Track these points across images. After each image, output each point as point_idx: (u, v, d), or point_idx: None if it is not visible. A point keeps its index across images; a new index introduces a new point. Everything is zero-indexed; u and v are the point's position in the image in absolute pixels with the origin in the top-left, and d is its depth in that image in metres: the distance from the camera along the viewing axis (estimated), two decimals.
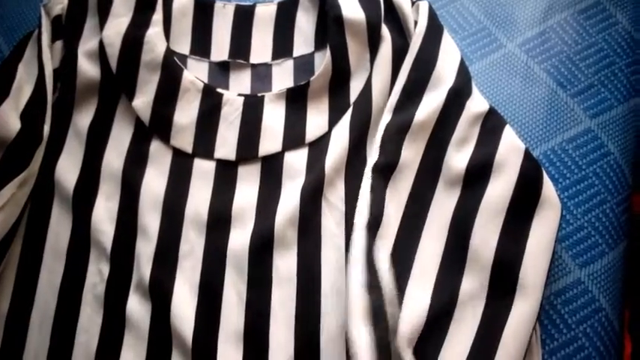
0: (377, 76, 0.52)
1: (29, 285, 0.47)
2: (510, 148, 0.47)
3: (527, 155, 0.46)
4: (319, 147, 0.51)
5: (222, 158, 0.50)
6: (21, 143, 0.49)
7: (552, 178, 0.52)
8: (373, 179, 0.47)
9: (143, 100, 0.51)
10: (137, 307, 0.46)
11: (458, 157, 0.48)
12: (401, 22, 0.54)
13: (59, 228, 0.49)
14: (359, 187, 0.49)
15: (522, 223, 0.44)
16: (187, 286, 0.46)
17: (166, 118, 0.51)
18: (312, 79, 0.52)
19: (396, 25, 0.54)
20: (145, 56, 0.52)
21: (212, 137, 0.51)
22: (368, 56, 0.53)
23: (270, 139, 0.51)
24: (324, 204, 0.49)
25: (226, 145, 0.51)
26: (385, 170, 0.47)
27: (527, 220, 0.44)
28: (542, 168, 0.46)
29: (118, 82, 0.52)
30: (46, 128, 0.51)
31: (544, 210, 0.45)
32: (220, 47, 0.56)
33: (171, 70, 0.52)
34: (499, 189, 0.45)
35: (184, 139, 0.51)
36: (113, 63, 0.52)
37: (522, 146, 0.47)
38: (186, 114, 0.51)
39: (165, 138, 0.51)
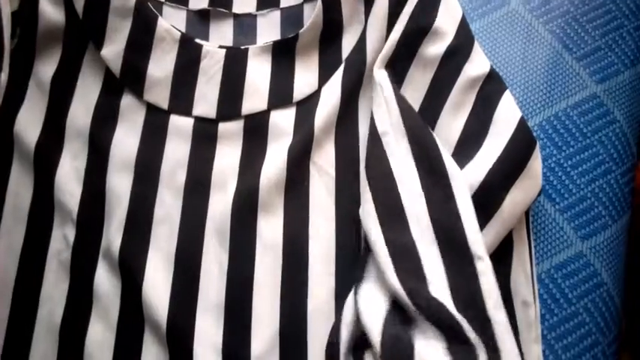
0: (371, 31, 0.48)
1: None
2: (506, 116, 0.44)
3: (521, 126, 0.44)
4: (308, 106, 0.47)
5: (201, 115, 0.47)
6: None
7: (555, 145, 0.50)
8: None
9: (113, 49, 0.47)
10: (105, 278, 0.42)
11: (451, 124, 0.45)
12: None
13: (19, 188, 0.45)
14: (349, 151, 0.46)
15: (497, 193, 0.42)
16: (161, 255, 0.43)
17: (139, 70, 0.47)
18: (300, 32, 0.48)
19: None
20: (115, 0, 0.47)
21: (190, 92, 0.47)
22: (362, 9, 0.49)
23: (255, 97, 0.47)
24: (312, 168, 0.46)
25: (206, 101, 0.47)
26: None
27: (502, 191, 0.42)
28: (537, 142, 0.44)
29: (84, 28, 0.47)
30: (3, 76, 0.45)
31: (522, 183, 0.43)
32: None
33: (144, 16, 0.47)
34: (484, 157, 0.43)
35: (159, 94, 0.47)
36: (79, 6, 0.47)
37: (518, 116, 0.44)
38: (161, 66, 0.47)
39: (138, 92, 0.47)
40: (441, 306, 0.37)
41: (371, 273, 0.40)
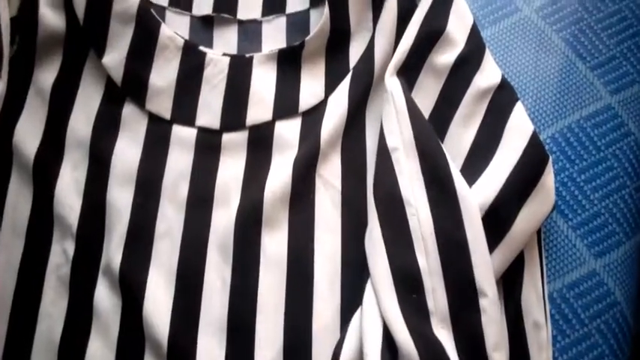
0: (380, 39, 0.47)
1: None
2: (517, 130, 0.43)
3: (533, 141, 0.43)
4: (314, 116, 0.46)
5: (204, 126, 0.45)
6: None
7: (568, 158, 0.49)
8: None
9: (114, 57, 0.46)
10: (105, 295, 0.41)
11: (461, 136, 0.44)
12: None
13: (18, 200, 0.44)
14: (356, 162, 0.45)
15: (508, 212, 0.41)
16: (163, 271, 0.42)
17: (141, 79, 0.46)
18: (307, 39, 0.47)
19: None
20: (117, 6, 0.46)
21: (193, 102, 0.46)
22: (370, 15, 0.48)
23: (259, 107, 0.46)
24: (318, 180, 0.45)
25: (209, 111, 0.46)
26: None
27: (514, 210, 0.41)
28: (549, 157, 0.43)
29: (85, 34, 0.46)
30: (2, 85, 0.45)
31: (534, 200, 0.42)
32: None
33: (146, 23, 0.46)
34: (494, 173, 0.42)
35: (161, 103, 0.46)
36: (80, 12, 0.46)
37: (530, 130, 0.43)
38: (163, 74, 0.46)
39: (140, 101, 0.46)
40: (440, 354, 0.37)
41: (372, 294, 0.40)
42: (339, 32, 0.47)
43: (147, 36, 0.46)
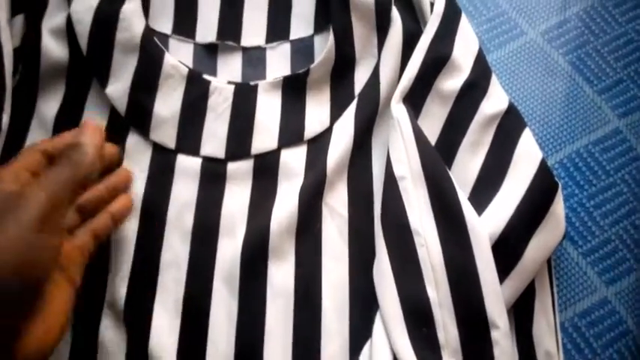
0: (385, 65, 0.47)
1: None
2: (525, 157, 0.43)
3: (542, 169, 0.42)
4: (319, 144, 0.46)
5: (209, 155, 0.45)
6: None
7: (577, 184, 0.49)
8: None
9: (118, 87, 0.45)
10: (111, 329, 0.41)
11: (469, 164, 0.44)
12: (413, 5, 0.49)
13: None
14: (362, 190, 0.45)
15: (519, 241, 0.41)
16: (169, 303, 0.42)
17: (145, 109, 0.45)
18: (312, 66, 0.46)
19: (408, 8, 0.49)
20: (120, 35, 0.46)
21: (198, 131, 0.45)
22: (375, 41, 0.48)
23: (265, 135, 0.45)
24: (324, 209, 0.44)
25: (214, 140, 0.45)
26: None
27: (524, 240, 0.41)
28: (559, 185, 0.42)
29: (88, 64, 0.46)
30: (5, 118, 0.44)
31: (544, 229, 0.41)
32: (207, 26, 0.50)
33: (150, 52, 0.46)
34: (504, 202, 0.42)
35: (166, 133, 0.45)
36: (83, 43, 0.45)
37: (539, 156, 0.43)
38: (168, 104, 0.46)
39: (144, 131, 0.45)
40: None
41: (382, 326, 0.39)
42: (344, 59, 0.47)
43: (151, 65, 0.46)
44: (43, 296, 0.33)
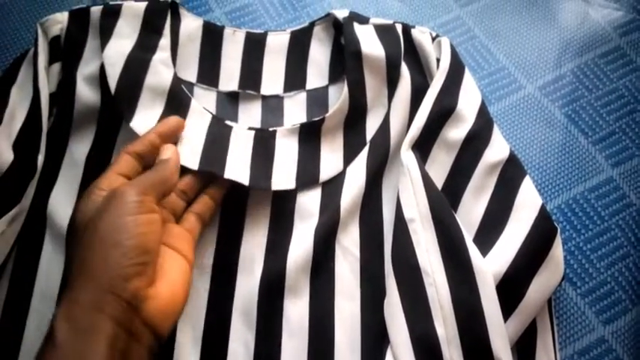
0: (395, 115, 0.50)
1: (16, 332, 0.43)
2: (527, 203, 0.45)
3: (542, 214, 0.45)
4: (333, 187, 0.48)
5: (232, 179, 0.46)
6: (13, 176, 0.44)
7: (574, 228, 0.51)
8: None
9: (144, 123, 0.47)
10: None
11: (473, 208, 0.46)
12: (420, 60, 0.52)
13: (50, 269, 0.45)
14: (373, 231, 0.47)
15: (521, 282, 0.43)
16: (190, 336, 0.43)
17: None
18: (327, 115, 0.49)
19: (416, 63, 0.52)
20: (150, 79, 0.48)
21: (222, 158, 0.47)
22: (386, 92, 0.51)
23: (283, 176, 0.48)
24: (337, 249, 0.46)
25: (237, 168, 0.47)
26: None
27: (526, 281, 0.43)
28: (558, 229, 0.44)
29: (116, 103, 0.48)
30: (40, 158, 0.47)
31: (545, 271, 0.43)
32: (229, 76, 0.53)
33: (178, 98, 0.49)
34: (507, 245, 0.44)
35: (189, 163, 0.46)
36: (112, 83, 0.48)
37: (539, 202, 0.45)
38: (192, 142, 0.47)
39: None
40: None
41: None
42: (356, 108, 0.50)
43: (178, 109, 0.48)
44: (163, 268, 0.38)
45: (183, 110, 0.48)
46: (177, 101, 0.48)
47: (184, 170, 0.45)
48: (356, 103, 0.50)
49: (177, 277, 0.39)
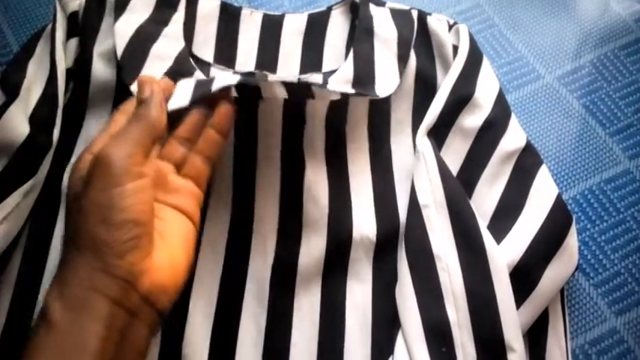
0: (396, 100, 0.50)
1: (28, 305, 0.43)
2: (542, 191, 0.45)
3: (558, 203, 0.44)
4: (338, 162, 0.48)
5: (240, 75, 0.43)
6: (29, 149, 0.45)
7: (589, 219, 0.51)
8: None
9: None
10: None
11: (487, 195, 0.46)
12: (432, 47, 0.52)
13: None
14: (388, 217, 0.46)
15: (534, 271, 0.43)
16: (202, 312, 0.43)
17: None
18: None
19: (426, 49, 0.52)
20: (157, 47, 0.48)
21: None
22: (396, 68, 0.50)
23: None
24: (353, 231, 0.46)
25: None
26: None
27: (540, 269, 0.43)
28: (573, 218, 0.44)
29: (120, 69, 0.47)
30: (56, 133, 0.47)
31: (559, 260, 0.43)
32: (246, 57, 0.53)
33: (184, 68, 0.48)
34: (521, 233, 0.43)
35: (181, 101, 0.44)
36: (120, 52, 0.47)
37: (555, 192, 0.45)
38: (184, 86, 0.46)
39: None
40: None
41: (403, 345, 0.41)
42: (362, 76, 0.49)
43: (181, 74, 0.47)
44: (163, 234, 0.35)
45: (187, 75, 0.47)
46: (181, 71, 0.48)
47: (179, 116, 0.40)
48: (360, 71, 0.49)
49: (177, 242, 0.35)
